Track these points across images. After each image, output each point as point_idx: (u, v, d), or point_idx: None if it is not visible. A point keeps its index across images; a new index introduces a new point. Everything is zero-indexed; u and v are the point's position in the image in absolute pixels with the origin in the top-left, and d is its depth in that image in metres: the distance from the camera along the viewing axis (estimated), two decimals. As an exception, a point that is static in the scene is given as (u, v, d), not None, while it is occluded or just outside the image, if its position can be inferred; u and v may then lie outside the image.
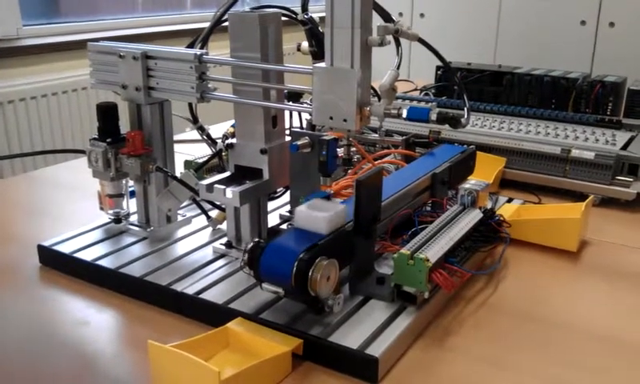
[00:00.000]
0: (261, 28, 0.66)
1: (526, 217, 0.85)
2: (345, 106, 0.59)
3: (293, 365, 0.56)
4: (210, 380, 0.48)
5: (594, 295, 0.71)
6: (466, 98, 0.97)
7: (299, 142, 0.67)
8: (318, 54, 0.86)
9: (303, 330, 0.57)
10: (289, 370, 0.55)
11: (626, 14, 2.44)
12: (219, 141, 0.88)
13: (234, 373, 0.50)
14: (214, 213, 0.80)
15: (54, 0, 2.51)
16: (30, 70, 2.22)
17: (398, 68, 0.59)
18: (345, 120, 0.59)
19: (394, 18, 0.58)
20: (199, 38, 0.78)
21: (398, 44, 0.59)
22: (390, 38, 0.59)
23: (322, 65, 0.61)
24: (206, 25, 0.79)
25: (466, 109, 0.94)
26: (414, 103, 1.25)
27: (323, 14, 0.60)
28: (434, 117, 0.59)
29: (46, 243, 0.75)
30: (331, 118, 0.60)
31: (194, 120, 0.88)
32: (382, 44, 0.58)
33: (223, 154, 0.85)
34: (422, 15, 2.92)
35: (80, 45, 2.25)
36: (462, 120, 0.61)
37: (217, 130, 1.02)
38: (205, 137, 0.93)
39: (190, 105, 0.85)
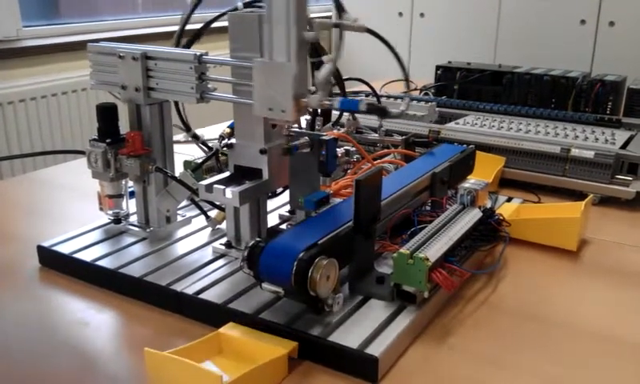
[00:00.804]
0: (260, 28, 0.66)
1: (525, 216, 0.85)
2: (282, 98, 0.62)
3: (293, 365, 0.56)
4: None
5: (594, 294, 0.71)
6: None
7: (299, 142, 0.67)
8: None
9: (303, 330, 0.57)
10: (285, 373, 0.55)
11: (625, 13, 2.44)
12: (215, 142, 0.88)
13: (231, 379, 0.49)
14: (213, 213, 0.80)
15: (54, 1, 2.51)
16: (30, 71, 2.21)
17: (335, 62, 0.60)
18: (283, 111, 0.62)
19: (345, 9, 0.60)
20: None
21: (340, 37, 0.61)
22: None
23: (262, 59, 0.63)
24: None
25: (406, 100, 0.97)
26: (414, 102, 1.24)
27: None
28: (363, 107, 0.61)
29: (46, 244, 0.75)
30: (271, 109, 0.63)
31: (187, 128, 0.87)
32: (317, 38, 0.61)
33: (220, 154, 0.85)
34: (422, 15, 2.92)
35: (80, 46, 2.25)
36: (393, 111, 0.63)
37: (213, 132, 1.02)
38: (200, 144, 0.92)
39: (179, 114, 0.85)
